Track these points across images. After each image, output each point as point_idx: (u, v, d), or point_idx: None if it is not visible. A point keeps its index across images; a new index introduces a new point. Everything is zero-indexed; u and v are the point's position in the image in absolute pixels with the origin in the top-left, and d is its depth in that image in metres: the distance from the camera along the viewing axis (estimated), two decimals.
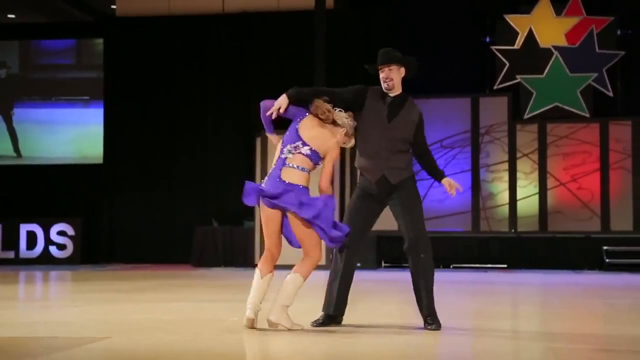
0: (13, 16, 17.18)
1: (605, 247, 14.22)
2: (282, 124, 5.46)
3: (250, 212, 14.12)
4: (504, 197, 14.88)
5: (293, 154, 5.26)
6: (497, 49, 15.29)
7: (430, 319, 5.40)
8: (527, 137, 14.93)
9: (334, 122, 5.34)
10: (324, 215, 5.15)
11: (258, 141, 13.90)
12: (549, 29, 15.19)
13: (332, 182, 5.68)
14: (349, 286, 5.59)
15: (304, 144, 5.26)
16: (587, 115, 14.94)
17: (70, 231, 15.76)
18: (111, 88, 16.56)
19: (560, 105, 15.07)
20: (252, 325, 5.18)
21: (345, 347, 4.68)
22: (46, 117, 17.05)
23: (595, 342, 5.12)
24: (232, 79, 16.05)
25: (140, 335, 5.03)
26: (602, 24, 15.04)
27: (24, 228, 15.81)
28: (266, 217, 5.28)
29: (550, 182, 14.78)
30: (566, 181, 14.77)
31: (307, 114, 5.35)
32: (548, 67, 15.14)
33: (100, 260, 15.96)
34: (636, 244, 14.31)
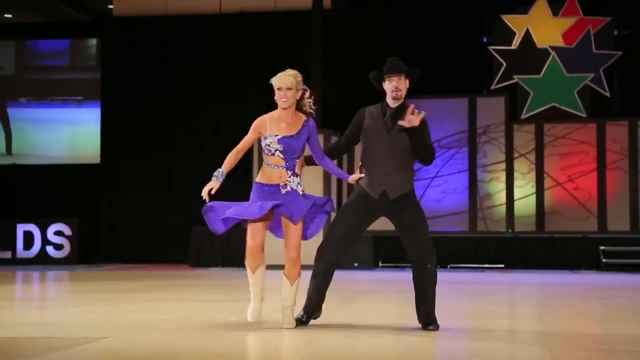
0: (10, 16, 17.17)
1: (602, 247, 14.23)
2: None
3: None
4: (501, 197, 14.90)
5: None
6: (494, 49, 15.30)
7: (432, 327, 5.38)
8: (524, 137, 14.95)
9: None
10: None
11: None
12: (546, 29, 15.21)
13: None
14: (328, 286, 5.56)
15: None
16: (584, 115, 14.96)
17: (67, 231, 15.75)
18: (108, 88, 16.55)
19: (557, 105, 15.09)
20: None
21: (344, 347, 4.68)
22: (41, 117, 17.05)
23: (592, 341, 5.13)
24: (230, 78, 16.05)
25: (138, 336, 5.02)
26: (599, 24, 15.06)
27: (21, 228, 15.79)
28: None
29: (548, 182, 14.79)
30: (563, 181, 14.79)
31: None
32: (545, 68, 15.16)
33: (98, 260, 15.95)
34: (633, 244, 14.33)
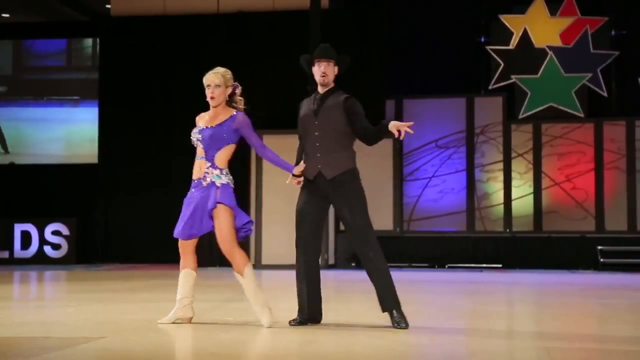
0: (7, 15, 17.15)
1: (599, 247, 14.25)
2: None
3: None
4: (498, 197, 14.91)
5: None
6: (491, 49, 15.31)
7: (398, 317, 5.36)
8: (521, 137, 14.96)
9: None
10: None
11: None
12: (543, 29, 15.22)
13: None
14: (319, 286, 5.54)
15: None
16: (582, 115, 14.98)
17: (65, 231, 15.73)
18: (106, 88, 16.53)
19: (555, 105, 15.10)
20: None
21: (342, 347, 4.68)
22: (38, 116, 17.05)
23: (589, 341, 5.13)
24: None
25: (136, 335, 5.02)
26: (597, 24, 15.08)
27: (18, 228, 15.77)
28: None
29: (545, 182, 14.81)
30: (561, 181, 14.80)
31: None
32: (543, 67, 15.17)
33: (95, 260, 15.93)
34: (630, 244, 14.35)
